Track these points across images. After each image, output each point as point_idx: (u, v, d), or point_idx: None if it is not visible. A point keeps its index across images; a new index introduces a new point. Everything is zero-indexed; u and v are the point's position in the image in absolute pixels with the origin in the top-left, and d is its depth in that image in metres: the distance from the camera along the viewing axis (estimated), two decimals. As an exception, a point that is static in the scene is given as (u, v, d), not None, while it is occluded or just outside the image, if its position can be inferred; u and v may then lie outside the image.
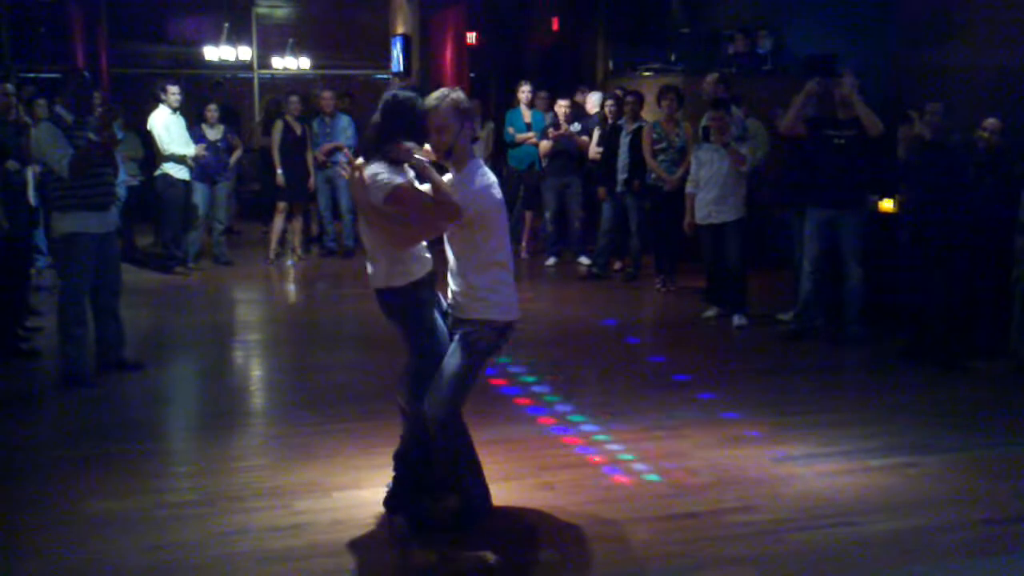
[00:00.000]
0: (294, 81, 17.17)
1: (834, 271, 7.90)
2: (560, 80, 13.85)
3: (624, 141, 10.21)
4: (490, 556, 4.24)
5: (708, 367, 7.39)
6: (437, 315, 4.46)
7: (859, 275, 7.77)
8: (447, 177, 4.35)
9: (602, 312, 9.29)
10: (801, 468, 5.25)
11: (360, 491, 4.81)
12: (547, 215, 11.44)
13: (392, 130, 4.26)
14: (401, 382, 4.54)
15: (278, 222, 11.52)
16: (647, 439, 5.69)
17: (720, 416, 6.10)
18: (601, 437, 5.71)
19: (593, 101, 11.57)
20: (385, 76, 17.47)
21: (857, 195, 7.79)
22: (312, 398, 6.48)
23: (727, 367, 7.40)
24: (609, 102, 10.74)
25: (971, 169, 7.36)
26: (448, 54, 14.99)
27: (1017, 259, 7.14)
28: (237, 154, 11.73)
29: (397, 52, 16.21)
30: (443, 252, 4.50)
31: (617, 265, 10.94)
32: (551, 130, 11.08)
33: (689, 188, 8.77)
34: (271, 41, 17.92)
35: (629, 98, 10.41)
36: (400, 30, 16.36)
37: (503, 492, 4.78)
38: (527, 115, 11.56)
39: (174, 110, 10.57)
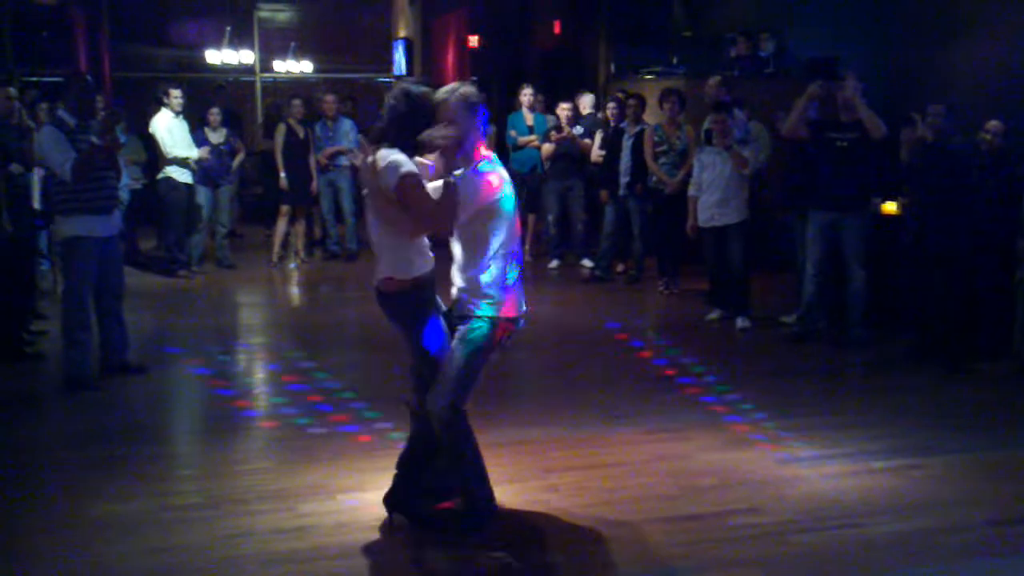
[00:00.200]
0: (296, 84, 17.19)
1: (837, 274, 7.89)
2: (562, 83, 13.84)
3: (626, 144, 10.21)
4: (494, 558, 4.23)
5: (711, 370, 7.38)
6: (438, 315, 4.45)
7: (862, 277, 7.76)
8: (457, 172, 4.36)
9: (605, 315, 9.29)
10: (805, 470, 5.25)
11: (364, 493, 4.81)
12: (549, 218, 11.44)
13: (412, 123, 4.25)
14: (411, 380, 4.54)
15: (281, 225, 11.53)
16: (651, 441, 5.69)
17: (724, 418, 6.10)
18: (604, 439, 5.70)
19: (586, 102, 11.59)
20: (387, 80, 17.49)
21: (860, 198, 7.78)
22: (316, 401, 6.48)
23: (730, 370, 7.40)
24: (611, 105, 10.74)
25: (974, 171, 7.36)
26: (450, 57, 15.02)
27: (1020, 261, 7.13)
28: (240, 157, 11.74)
29: (399, 56, 16.25)
30: (446, 252, 4.50)
31: (620, 268, 10.94)
32: (553, 133, 11.08)
33: (691, 191, 8.77)
34: (273, 45, 17.94)
35: (631, 101, 10.42)
36: (402, 34, 16.40)
37: (507, 494, 4.78)
38: (529, 118, 11.56)
39: (176, 114, 10.58)
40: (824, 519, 4.63)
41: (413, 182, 4.19)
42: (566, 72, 15.14)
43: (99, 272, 6.67)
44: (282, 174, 11.25)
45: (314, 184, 11.45)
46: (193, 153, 10.65)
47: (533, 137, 11.43)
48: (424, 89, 4.33)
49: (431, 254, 4.43)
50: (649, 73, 12.62)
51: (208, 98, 12.73)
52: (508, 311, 4.40)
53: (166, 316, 9.26)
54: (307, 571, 4.12)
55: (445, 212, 4.20)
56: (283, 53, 17.87)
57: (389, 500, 4.53)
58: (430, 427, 4.37)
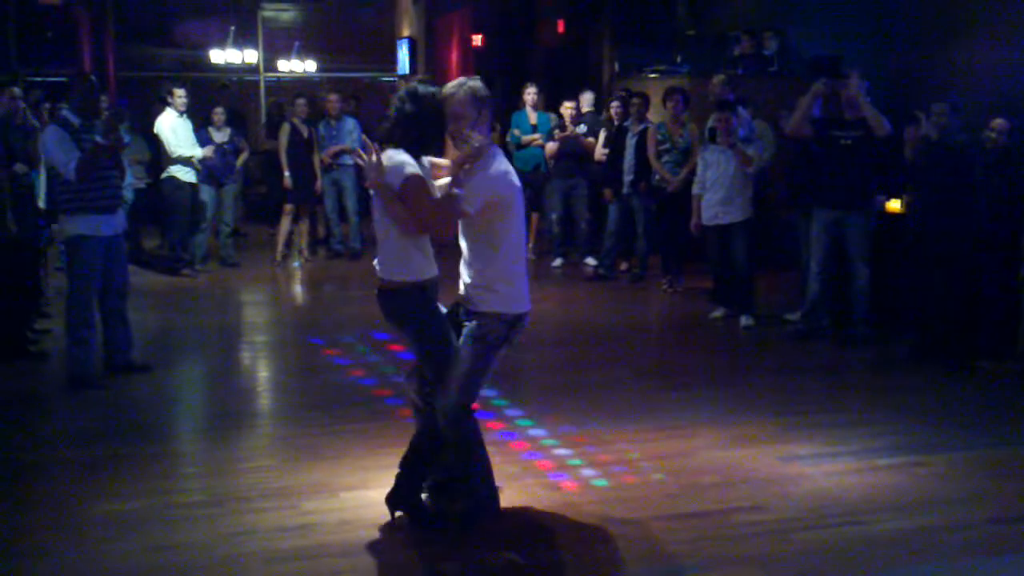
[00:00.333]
0: (300, 84, 17.20)
1: (840, 272, 7.89)
2: (566, 82, 13.84)
3: (630, 143, 10.22)
4: (497, 555, 4.24)
5: (715, 367, 7.38)
6: (439, 317, 4.42)
7: (865, 276, 7.76)
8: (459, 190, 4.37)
9: (609, 313, 9.30)
10: (809, 468, 5.25)
11: (368, 491, 4.81)
12: (553, 216, 11.44)
13: (420, 123, 4.25)
14: (411, 377, 4.54)
15: (285, 224, 11.55)
16: (654, 439, 5.69)
17: (727, 416, 6.10)
18: (608, 437, 5.70)
19: (586, 100, 11.60)
20: (391, 79, 17.50)
21: (863, 196, 7.77)
22: (319, 399, 6.49)
23: (734, 367, 7.40)
24: (615, 104, 10.74)
25: (978, 170, 7.35)
26: (454, 56, 15.03)
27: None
28: (243, 156, 11.75)
29: (403, 54, 16.25)
30: (452, 250, 4.50)
31: (623, 266, 10.95)
32: (557, 132, 11.09)
33: (696, 189, 8.77)
34: (277, 44, 17.96)
35: (635, 99, 10.42)
36: (406, 33, 16.40)
37: (510, 491, 4.78)
38: (533, 117, 11.56)
39: (181, 113, 10.59)
40: (827, 517, 4.63)
41: (417, 184, 4.18)
42: (570, 71, 15.13)
43: (103, 271, 6.68)
44: (286, 173, 11.27)
45: (318, 183, 11.47)
46: (197, 152, 10.66)
47: (537, 136, 11.43)
48: (432, 89, 4.31)
49: (434, 263, 4.38)
50: (653, 72, 12.61)
51: (212, 97, 12.76)
52: (516, 307, 4.39)
53: (170, 315, 9.27)
54: (310, 569, 4.12)
55: (446, 219, 4.22)
56: (287, 52, 17.89)
57: (392, 499, 4.54)
58: (435, 425, 4.37)
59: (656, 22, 14.06)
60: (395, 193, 4.19)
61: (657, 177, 9.87)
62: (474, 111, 4.27)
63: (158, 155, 10.92)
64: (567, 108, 11.11)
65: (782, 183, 9.32)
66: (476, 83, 4.33)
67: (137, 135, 11.02)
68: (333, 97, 11.78)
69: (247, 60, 17.08)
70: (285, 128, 11.44)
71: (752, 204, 8.54)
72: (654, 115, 10.46)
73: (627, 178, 10.24)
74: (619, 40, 14.13)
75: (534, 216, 11.82)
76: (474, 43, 15.04)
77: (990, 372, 7.15)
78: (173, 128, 10.52)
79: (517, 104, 11.89)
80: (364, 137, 4.41)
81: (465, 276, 4.43)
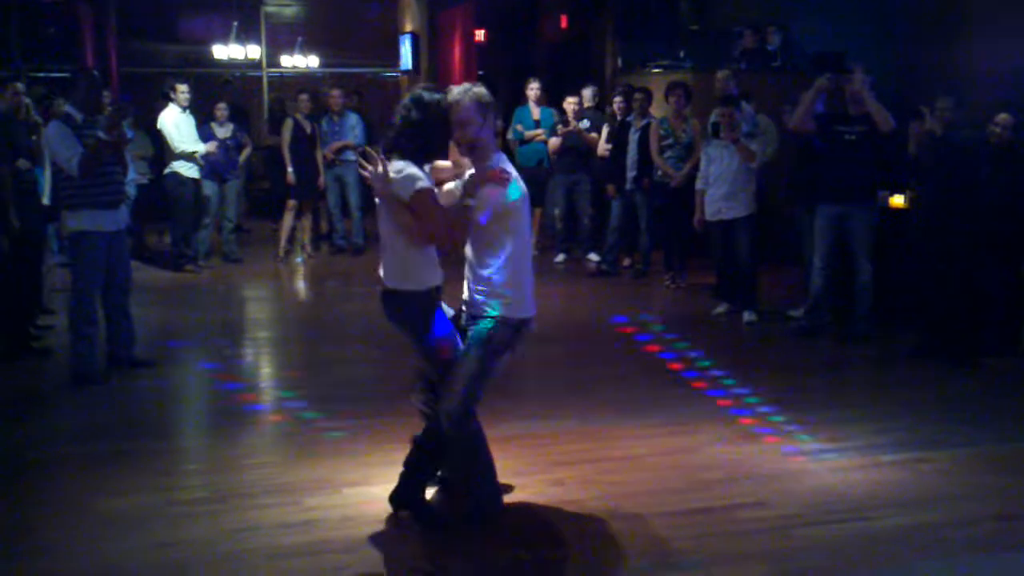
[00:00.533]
0: (303, 79, 17.18)
1: (844, 267, 7.88)
2: (569, 77, 13.83)
3: (633, 138, 10.21)
4: (501, 552, 4.24)
5: (718, 364, 7.36)
6: (443, 320, 4.42)
7: (869, 271, 7.75)
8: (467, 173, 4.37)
9: (612, 309, 9.28)
10: (812, 464, 5.24)
11: (370, 487, 4.81)
12: (556, 212, 11.44)
13: (425, 131, 4.25)
14: (418, 386, 4.54)
15: (288, 220, 11.56)
16: (658, 435, 5.68)
17: (731, 412, 6.09)
18: (611, 433, 5.70)
19: (587, 95, 11.59)
20: (394, 74, 17.48)
21: (867, 191, 7.76)
22: (322, 395, 6.49)
23: (737, 364, 7.38)
24: (617, 99, 10.73)
25: (983, 165, 7.33)
26: (457, 52, 14.99)
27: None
28: (246, 152, 11.76)
29: (406, 50, 16.22)
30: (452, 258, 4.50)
31: (626, 262, 10.94)
32: (560, 127, 11.07)
33: (699, 184, 8.76)
34: (280, 39, 17.95)
35: (637, 95, 10.41)
36: (409, 28, 16.36)
37: (514, 488, 4.79)
38: (535, 112, 11.55)
39: (184, 109, 10.59)
40: (830, 513, 4.62)
41: (428, 198, 4.19)
42: (573, 66, 15.13)
43: (106, 267, 6.68)
44: (289, 169, 11.28)
45: (321, 179, 11.47)
46: (200, 148, 10.67)
47: (540, 131, 11.42)
48: (437, 96, 4.29)
49: (439, 270, 4.39)
50: (656, 67, 12.60)
51: (215, 93, 12.76)
52: (521, 312, 4.40)
53: (173, 311, 9.28)
54: (313, 565, 4.12)
55: (457, 231, 4.24)
56: (290, 48, 17.87)
57: (395, 498, 4.54)
58: (439, 428, 4.37)
59: (659, 17, 14.04)
60: (403, 204, 4.19)
61: (660, 173, 9.86)
62: (479, 117, 4.28)
63: (161, 151, 10.93)
64: (570, 103, 11.10)
65: (786, 179, 9.29)
66: (481, 89, 4.33)
67: (140, 131, 11.02)
68: (336, 93, 11.77)
69: (250, 56, 17.06)
70: (288, 124, 11.45)
71: (755, 199, 8.52)
72: (657, 110, 10.44)
73: (630, 174, 10.23)
74: (622, 35, 14.12)
75: (537, 212, 11.80)
76: (477, 38, 15.02)
77: (994, 368, 7.14)
78: (176, 124, 10.52)
79: (520, 99, 11.88)
80: (368, 148, 4.40)
81: (470, 280, 4.44)
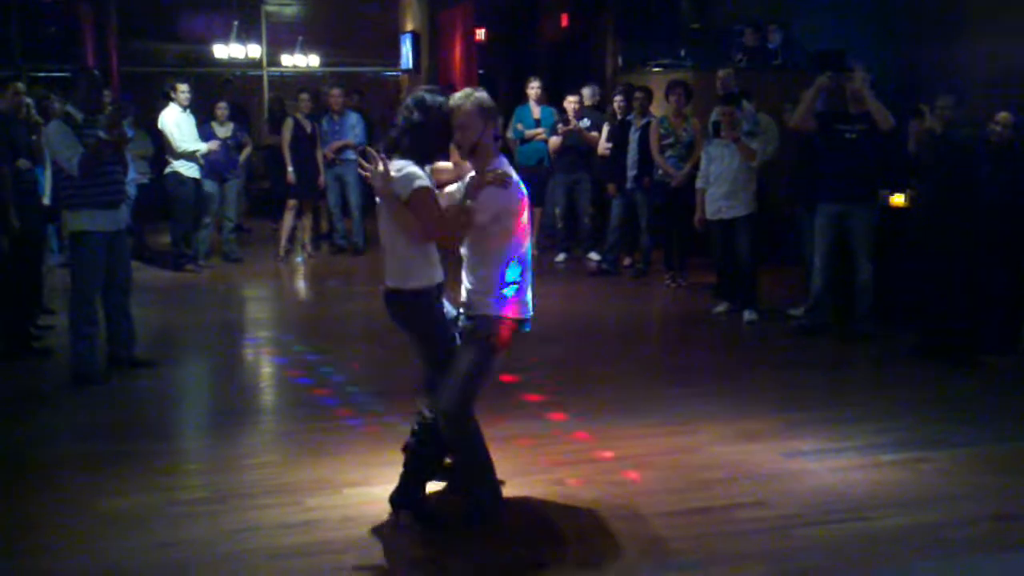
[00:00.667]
0: (303, 78, 17.19)
1: (844, 266, 7.87)
2: (569, 76, 13.83)
3: (633, 137, 10.21)
4: (500, 553, 4.24)
5: (718, 363, 7.38)
6: (444, 319, 4.45)
7: (869, 270, 7.74)
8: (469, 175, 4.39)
9: (612, 308, 9.29)
10: (812, 463, 5.24)
11: (370, 488, 4.81)
12: (556, 211, 11.44)
13: (427, 133, 4.28)
14: (422, 390, 4.54)
15: (288, 219, 11.56)
16: (657, 434, 5.68)
17: (731, 411, 6.09)
18: (612, 432, 5.70)
19: (587, 94, 11.58)
20: (394, 73, 17.49)
21: (868, 190, 7.76)
22: (322, 395, 6.49)
23: (738, 363, 7.39)
24: (618, 98, 10.73)
25: (983, 164, 7.32)
26: (457, 51, 15.00)
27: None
28: (247, 151, 11.76)
29: (406, 49, 16.24)
30: (451, 256, 4.51)
31: (627, 261, 10.94)
32: (560, 126, 11.07)
33: (699, 183, 8.76)
34: (280, 39, 17.97)
35: (638, 94, 10.41)
36: (409, 27, 16.39)
37: (514, 488, 4.78)
38: (536, 111, 11.55)
39: (184, 108, 10.59)
40: (830, 513, 4.62)
41: (426, 197, 4.21)
42: (573, 65, 15.12)
43: (107, 267, 6.68)
44: (290, 168, 11.27)
45: (321, 178, 11.47)
46: (201, 147, 10.67)
47: (540, 130, 11.42)
48: (439, 99, 4.32)
49: (440, 267, 4.41)
50: (657, 65, 12.59)
51: (215, 92, 12.76)
52: (518, 312, 4.41)
53: (173, 310, 9.28)
54: (314, 565, 4.13)
55: (455, 231, 4.27)
56: (290, 47, 17.89)
57: (395, 499, 4.54)
58: (438, 425, 4.38)
59: (659, 16, 14.03)
60: (403, 203, 4.21)
61: (660, 172, 9.86)
62: (480, 122, 4.30)
63: (161, 150, 10.92)
64: (570, 102, 11.09)
65: (786, 178, 9.29)
66: (483, 94, 4.36)
67: (140, 130, 11.02)
68: (336, 92, 11.75)
69: (250, 55, 17.08)
70: (288, 123, 11.45)
71: (756, 199, 8.51)
72: (657, 109, 10.44)
73: (630, 173, 10.23)
74: (622, 34, 14.11)
75: (537, 211, 11.80)
76: (477, 37, 15.02)
77: (994, 367, 7.14)
78: (177, 123, 10.52)
79: (520, 98, 11.88)
80: (368, 148, 4.42)
81: (468, 281, 4.46)
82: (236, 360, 7.71)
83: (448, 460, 4.68)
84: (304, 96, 11.63)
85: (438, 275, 4.38)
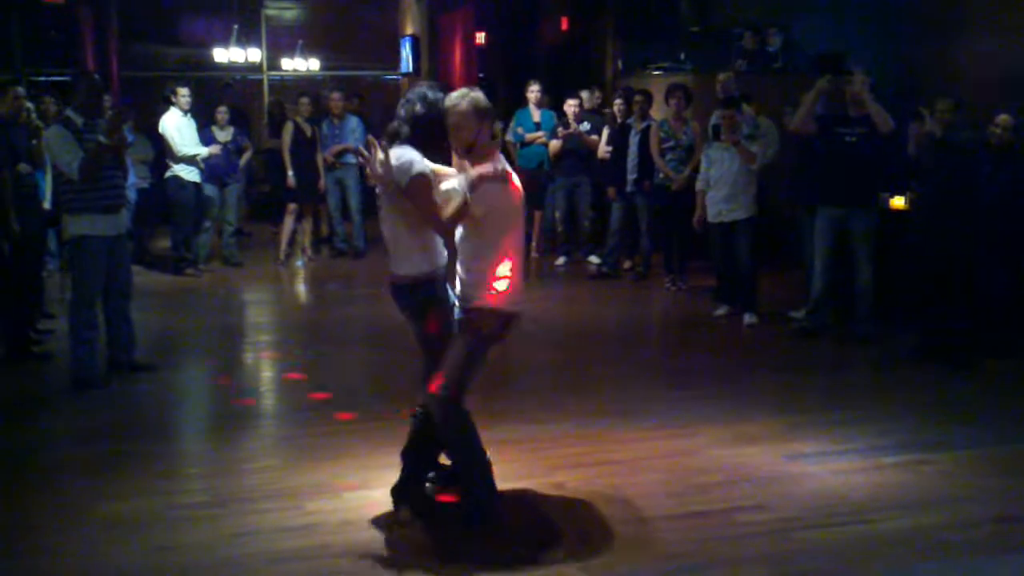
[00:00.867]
0: (303, 82, 17.20)
1: (844, 269, 7.87)
2: (569, 80, 13.83)
3: (633, 140, 10.21)
4: (499, 555, 4.23)
5: (719, 366, 7.37)
6: (448, 305, 4.52)
7: (869, 273, 7.74)
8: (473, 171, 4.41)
9: (612, 311, 9.28)
10: (813, 466, 5.23)
11: (370, 491, 4.80)
12: (557, 215, 11.44)
13: (428, 125, 4.35)
14: (423, 390, 4.56)
15: (288, 223, 11.56)
16: (658, 438, 5.67)
17: (731, 414, 6.08)
18: (611, 435, 5.69)
19: (587, 98, 11.58)
20: (394, 77, 17.49)
21: (868, 193, 7.76)
22: (321, 399, 6.48)
23: (738, 366, 7.38)
24: (618, 101, 10.73)
25: (983, 166, 7.32)
26: (457, 54, 15.01)
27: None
28: (247, 155, 11.76)
29: (406, 53, 16.25)
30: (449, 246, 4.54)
31: (627, 264, 10.94)
32: (560, 129, 11.07)
33: (699, 185, 8.76)
34: (280, 43, 17.96)
35: (637, 97, 10.41)
36: (409, 31, 16.40)
37: (514, 491, 4.78)
38: (536, 114, 11.55)
39: (185, 112, 10.59)
40: (831, 515, 4.61)
41: (423, 183, 4.29)
42: (573, 68, 15.12)
43: (107, 271, 6.68)
44: (290, 172, 11.27)
45: (321, 182, 11.47)
46: (202, 151, 10.67)
47: (540, 134, 11.42)
48: (440, 95, 4.41)
49: (443, 251, 4.53)
50: (656, 69, 12.59)
51: (216, 96, 12.76)
52: (510, 305, 4.44)
53: (173, 315, 9.27)
54: (313, 569, 4.12)
55: (448, 220, 4.29)
56: (290, 51, 17.89)
57: (396, 493, 4.56)
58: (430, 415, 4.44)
59: (659, 19, 14.04)
60: (402, 189, 4.27)
61: (660, 175, 9.86)
62: (475, 123, 4.32)
63: (161, 155, 10.92)
64: (570, 106, 11.10)
65: (786, 181, 9.28)
66: (478, 95, 4.38)
67: (140, 134, 11.03)
68: (336, 95, 11.77)
69: (250, 59, 17.07)
70: (288, 127, 11.45)
71: (756, 202, 8.51)
72: (657, 113, 10.44)
73: (630, 176, 10.23)
74: (622, 37, 14.12)
75: (537, 214, 11.80)
76: (477, 41, 15.03)
77: (994, 370, 7.13)
78: (178, 127, 10.52)
79: (520, 102, 11.88)
80: (371, 137, 4.44)
81: (462, 273, 4.49)
82: (235, 364, 7.71)
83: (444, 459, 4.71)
84: (304, 100, 11.63)
85: (442, 257, 4.50)
